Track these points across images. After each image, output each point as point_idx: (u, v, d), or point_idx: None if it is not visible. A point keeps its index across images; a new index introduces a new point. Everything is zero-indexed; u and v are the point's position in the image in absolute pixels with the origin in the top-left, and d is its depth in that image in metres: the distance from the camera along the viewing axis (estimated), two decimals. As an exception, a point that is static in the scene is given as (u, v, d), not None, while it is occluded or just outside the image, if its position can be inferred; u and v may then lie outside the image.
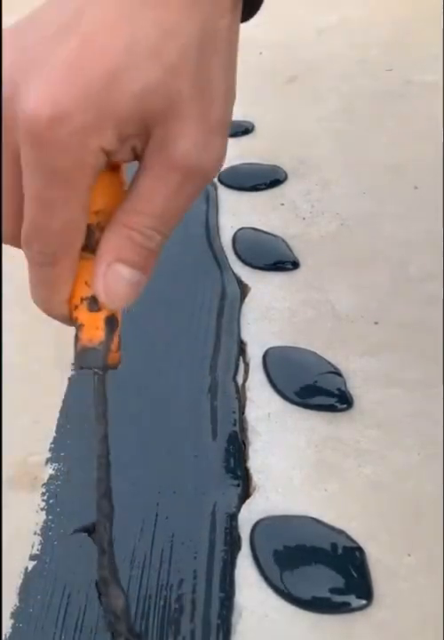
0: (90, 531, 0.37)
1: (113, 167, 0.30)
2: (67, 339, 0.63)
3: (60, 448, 0.55)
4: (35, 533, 0.50)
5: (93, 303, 0.32)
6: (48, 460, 0.55)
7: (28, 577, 0.47)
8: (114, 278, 0.30)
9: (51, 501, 0.52)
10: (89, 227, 0.30)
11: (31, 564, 0.48)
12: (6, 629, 0.45)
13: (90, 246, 0.30)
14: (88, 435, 0.56)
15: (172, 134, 0.28)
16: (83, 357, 0.33)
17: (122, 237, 0.30)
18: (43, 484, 0.53)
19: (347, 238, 0.74)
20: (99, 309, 0.32)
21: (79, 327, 0.32)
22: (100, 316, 0.32)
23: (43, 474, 0.54)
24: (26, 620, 0.45)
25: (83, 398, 0.59)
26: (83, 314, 0.32)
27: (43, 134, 0.26)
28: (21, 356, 0.63)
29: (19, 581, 0.47)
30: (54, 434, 0.56)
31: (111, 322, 0.32)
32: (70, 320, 0.33)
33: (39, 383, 0.61)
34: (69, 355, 0.61)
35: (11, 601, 0.46)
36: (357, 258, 0.71)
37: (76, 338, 0.33)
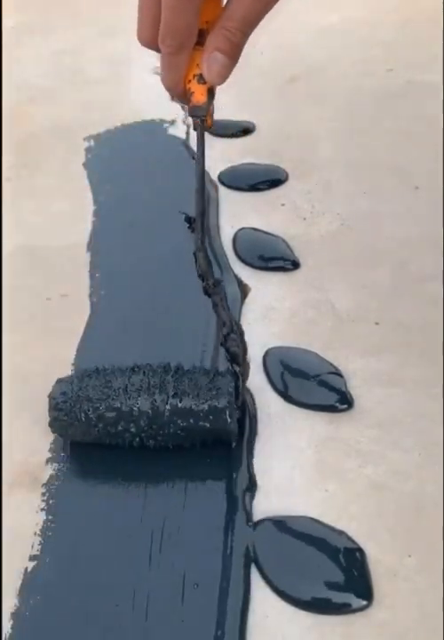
0: (190, 222, 0.53)
1: None
2: (66, 338, 0.64)
3: (60, 448, 0.55)
4: (34, 534, 0.50)
5: (201, 79, 0.49)
6: (48, 461, 0.55)
7: (28, 577, 0.47)
8: (214, 60, 0.48)
9: (51, 502, 0.52)
10: (200, 30, 0.48)
11: (31, 565, 0.48)
12: (6, 630, 0.45)
13: (200, 42, 0.48)
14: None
15: None
16: (193, 110, 0.51)
17: (219, 35, 0.47)
18: (43, 485, 0.53)
19: (348, 238, 0.74)
20: (204, 83, 0.49)
21: (191, 94, 0.50)
22: (205, 88, 0.50)
23: (43, 474, 0.54)
24: (25, 621, 0.45)
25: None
26: (194, 85, 0.50)
27: None
28: (21, 355, 0.63)
29: (19, 582, 0.47)
30: (54, 434, 0.56)
31: (211, 92, 0.50)
32: (185, 94, 0.50)
33: (39, 383, 0.61)
34: (69, 355, 0.62)
35: (10, 601, 0.46)
36: (357, 258, 0.71)
37: (188, 100, 0.51)
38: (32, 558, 0.48)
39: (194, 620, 0.44)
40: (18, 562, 0.48)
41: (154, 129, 0.95)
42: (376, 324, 0.63)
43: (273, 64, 1.07)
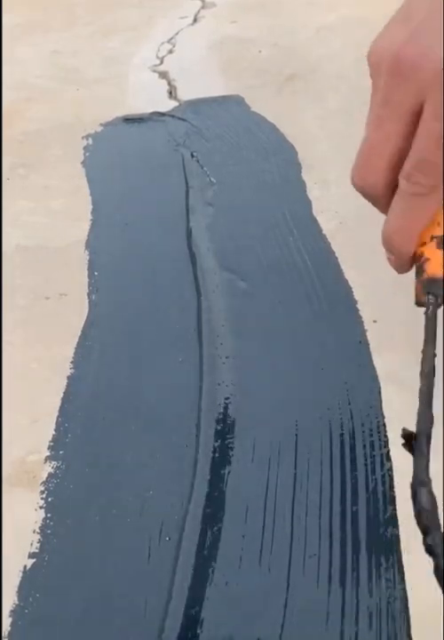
0: (410, 438, 0.38)
1: None
2: (66, 338, 0.64)
3: (59, 447, 0.55)
4: (34, 531, 0.50)
5: (442, 243, 0.38)
6: (47, 459, 0.55)
7: (27, 575, 0.47)
8: None
9: (49, 499, 0.52)
10: None
11: (30, 562, 0.48)
12: (5, 628, 0.45)
13: None
14: (87, 434, 0.56)
15: None
16: (428, 285, 0.38)
17: None
18: (42, 483, 0.53)
19: (346, 237, 0.74)
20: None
21: (425, 261, 0.38)
22: None
23: (42, 472, 0.54)
24: (25, 619, 0.45)
25: (81, 397, 0.59)
26: (430, 250, 0.38)
27: None
28: (21, 354, 0.63)
29: (18, 580, 0.47)
30: (53, 432, 0.56)
31: None
32: (410, 257, 0.39)
33: (39, 382, 0.61)
34: (68, 355, 0.62)
35: (10, 599, 0.46)
36: (356, 256, 0.71)
37: (420, 270, 0.38)
38: (31, 556, 0.48)
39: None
40: (17, 560, 0.48)
41: (151, 127, 0.95)
42: (375, 322, 0.64)
43: (272, 63, 1.07)
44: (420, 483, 0.36)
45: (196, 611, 0.44)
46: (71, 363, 0.62)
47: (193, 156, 0.87)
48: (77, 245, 0.75)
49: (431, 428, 0.37)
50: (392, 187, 0.39)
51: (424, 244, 0.38)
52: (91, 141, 0.94)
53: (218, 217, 0.76)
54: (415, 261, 0.39)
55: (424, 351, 0.38)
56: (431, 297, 0.38)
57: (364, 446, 0.53)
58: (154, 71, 1.09)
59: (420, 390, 0.38)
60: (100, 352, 0.62)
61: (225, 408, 0.56)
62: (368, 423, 0.55)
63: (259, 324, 0.64)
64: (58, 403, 0.59)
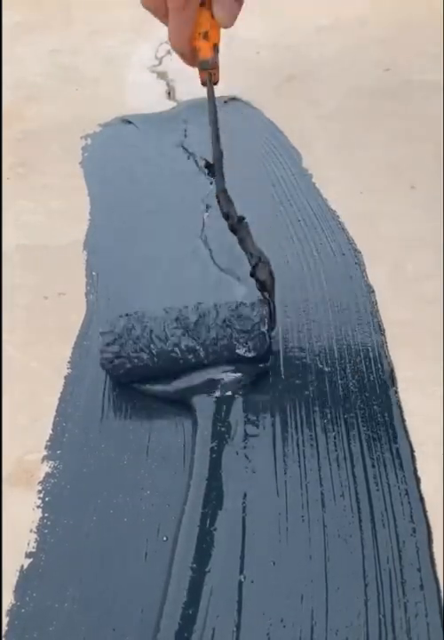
0: (209, 167, 0.60)
1: None
2: (63, 337, 0.64)
3: (57, 446, 0.55)
4: (31, 531, 0.50)
5: (206, 36, 0.56)
6: (44, 458, 0.55)
7: (24, 575, 0.47)
8: (224, 4, 0.54)
9: (47, 499, 0.52)
10: None
11: (27, 562, 0.48)
12: (2, 627, 0.45)
13: (203, 3, 0.55)
14: (85, 434, 0.56)
15: None
16: (202, 64, 0.57)
17: None
18: (40, 482, 0.53)
19: (344, 237, 0.74)
20: (208, 39, 0.56)
21: (198, 50, 0.57)
22: (210, 44, 0.56)
23: (39, 472, 0.54)
24: (21, 619, 0.45)
25: (79, 397, 0.59)
26: (200, 42, 0.56)
27: None
28: (20, 353, 0.63)
29: (15, 579, 0.47)
30: (50, 432, 0.56)
31: (216, 47, 0.57)
32: (189, 52, 0.57)
33: (37, 381, 0.61)
34: (65, 353, 0.62)
35: (7, 599, 0.46)
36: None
37: (196, 57, 0.57)
38: (28, 556, 0.48)
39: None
40: (14, 560, 0.48)
41: (151, 127, 0.95)
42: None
43: (271, 63, 1.07)
44: (221, 191, 0.59)
45: (193, 611, 0.44)
46: (68, 362, 0.62)
47: (191, 155, 0.87)
48: (76, 245, 0.75)
49: (221, 155, 0.59)
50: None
51: (195, 39, 0.56)
52: (89, 141, 0.94)
53: (219, 217, 0.76)
54: (193, 53, 0.57)
55: (209, 108, 0.58)
56: (207, 73, 0.57)
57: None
58: (153, 71, 1.09)
59: (211, 135, 0.58)
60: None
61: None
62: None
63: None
64: (56, 402, 0.59)
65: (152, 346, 0.57)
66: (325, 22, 1.16)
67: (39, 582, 0.47)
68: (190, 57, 0.57)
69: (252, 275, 0.59)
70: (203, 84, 0.58)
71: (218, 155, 0.59)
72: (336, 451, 0.53)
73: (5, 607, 0.46)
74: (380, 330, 0.62)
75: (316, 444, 0.53)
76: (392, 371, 0.58)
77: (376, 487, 0.50)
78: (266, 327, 0.57)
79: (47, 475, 0.53)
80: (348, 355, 0.60)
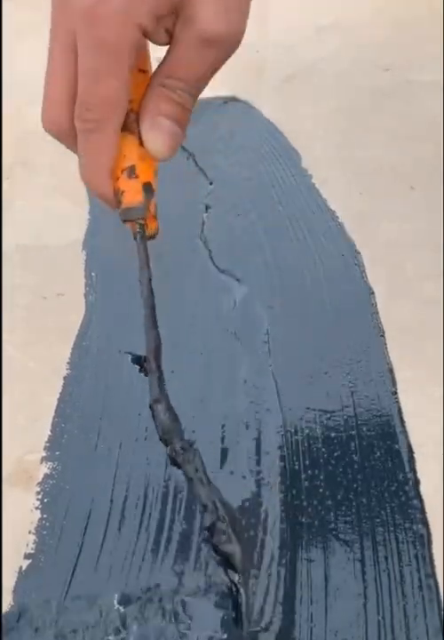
0: (140, 361, 0.43)
1: (143, 70, 0.40)
2: (62, 337, 0.64)
3: (56, 447, 0.55)
4: (29, 532, 0.50)
5: (132, 172, 0.39)
6: (43, 459, 0.55)
7: (23, 576, 0.47)
8: (158, 129, 0.37)
9: (45, 500, 0.52)
10: (127, 111, 0.37)
11: (25, 563, 0.48)
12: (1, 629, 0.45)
13: (127, 127, 0.38)
14: (84, 435, 0.56)
15: (196, 10, 0.35)
16: (126, 213, 0.40)
17: (160, 96, 0.37)
18: (38, 483, 0.53)
19: (344, 238, 0.74)
20: (137, 177, 0.39)
21: (121, 193, 0.40)
22: (138, 183, 0.39)
23: (38, 473, 0.54)
24: (20, 620, 0.45)
25: (78, 398, 0.59)
26: (124, 182, 0.39)
27: (93, 11, 0.34)
28: (19, 353, 0.63)
29: (14, 580, 0.47)
30: (49, 433, 0.56)
31: (148, 188, 0.40)
32: (112, 195, 0.40)
33: (36, 382, 0.61)
34: (64, 354, 0.62)
35: (5, 599, 0.46)
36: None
37: (119, 204, 0.40)
38: (26, 557, 0.48)
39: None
40: (12, 561, 0.48)
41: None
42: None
43: (270, 63, 1.07)
44: (155, 400, 0.41)
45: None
46: (68, 363, 0.62)
47: (190, 156, 0.87)
48: (75, 245, 0.75)
49: (159, 346, 0.40)
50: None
51: (118, 178, 0.39)
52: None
53: (218, 217, 0.76)
54: (115, 196, 0.40)
55: (140, 278, 0.41)
56: (137, 224, 0.40)
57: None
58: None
59: (144, 316, 0.41)
60: (98, 352, 0.62)
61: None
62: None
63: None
64: (55, 403, 0.59)
65: None
66: (325, 22, 1.15)
67: (37, 584, 0.47)
68: (112, 200, 0.41)
69: (206, 541, 0.42)
70: (134, 237, 0.42)
71: (154, 345, 0.41)
72: (334, 452, 0.53)
73: (4, 608, 0.46)
74: (380, 331, 0.62)
75: (314, 441, 0.53)
76: (391, 371, 0.58)
77: (376, 488, 0.50)
78: None
79: (46, 476, 0.53)
80: (347, 356, 0.60)
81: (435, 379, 0.57)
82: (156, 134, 0.38)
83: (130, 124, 0.38)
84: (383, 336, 0.61)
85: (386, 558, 0.46)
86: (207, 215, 0.78)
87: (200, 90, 0.38)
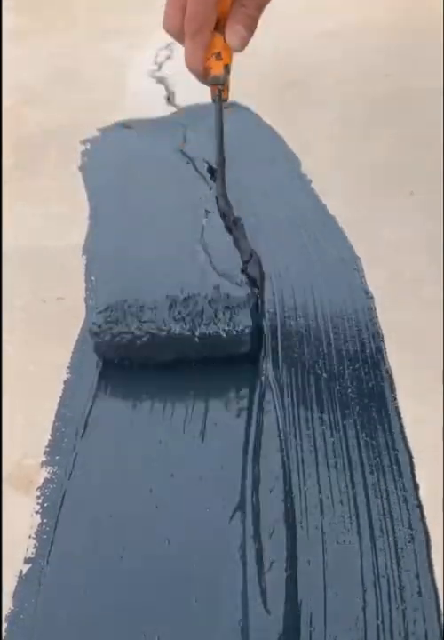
0: (212, 171, 0.73)
1: None
2: (61, 341, 0.64)
3: (55, 451, 0.55)
4: (29, 537, 0.50)
5: (218, 56, 0.61)
6: (43, 464, 0.55)
7: (23, 580, 0.47)
8: (236, 32, 0.60)
9: (45, 505, 0.52)
10: (217, 19, 0.60)
11: (26, 568, 0.48)
12: (1, 633, 0.45)
13: (217, 29, 0.60)
14: (84, 439, 0.56)
15: None
16: (212, 80, 0.61)
17: (238, 13, 0.60)
18: (38, 488, 0.53)
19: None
20: (221, 59, 0.61)
21: (210, 69, 0.61)
22: (221, 63, 0.61)
23: (37, 477, 0.54)
24: (20, 624, 0.45)
25: (78, 401, 0.59)
26: (212, 62, 0.61)
27: None
28: (19, 356, 0.63)
29: (14, 585, 0.47)
30: (49, 437, 0.56)
31: (227, 67, 0.61)
32: (202, 71, 0.61)
33: (36, 385, 0.61)
34: (66, 358, 0.62)
35: (5, 605, 0.46)
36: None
37: (208, 75, 0.61)
38: (26, 561, 0.48)
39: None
40: (13, 565, 0.48)
41: (150, 132, 0.95)
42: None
43: (271, 68, 1.07)
44: (220, 194, 0.67)
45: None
46: (68, 367, 0.62)
47: (190, 161, 0.87)
48: (74, 249, 0.75)
49: (223, 161, 0.64)
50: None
51: (208, 59, 0.61)
52: (88, 146, 0.94)
53: (218, 222, 0.76)
54: (206, 72, 0.61)
55: (215, 121, 0.63)
56: (217, 89, 0.62)
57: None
58: (153, 77, 1.10)
59: (216, 142, 0.64)
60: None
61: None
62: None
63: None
64: (55, 407, 0.59)
65: (141, 314, 0.60)
66: (325, 28, 1.16)
67: (37, 588, 0.47)
68: (203, 76, 0.62)
69: (243, 271, 0.63)
70: (213, 99, 0.63)
71: (221, 161, 0.64)
72: (334, 457, 0.53)
73: (4, 613, 0.46)
74: (379, 336, 0.62)
75: (315, 451, 0.53)
76: (390, 377, 0.58)
77: (375, 494, 0.50)
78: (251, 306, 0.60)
79: (46, 480, 0.53)
80: (347, 361, 0.60)
81: (435, 383, 0.58)
82: (235, 36, 0.60)
83: (219, 28, 0.60)
84: (382, 340, 0.61)
85: (386, 563, 0.46)
86: (207, 220, 0.78)
87: (263, 7, 0.61)
